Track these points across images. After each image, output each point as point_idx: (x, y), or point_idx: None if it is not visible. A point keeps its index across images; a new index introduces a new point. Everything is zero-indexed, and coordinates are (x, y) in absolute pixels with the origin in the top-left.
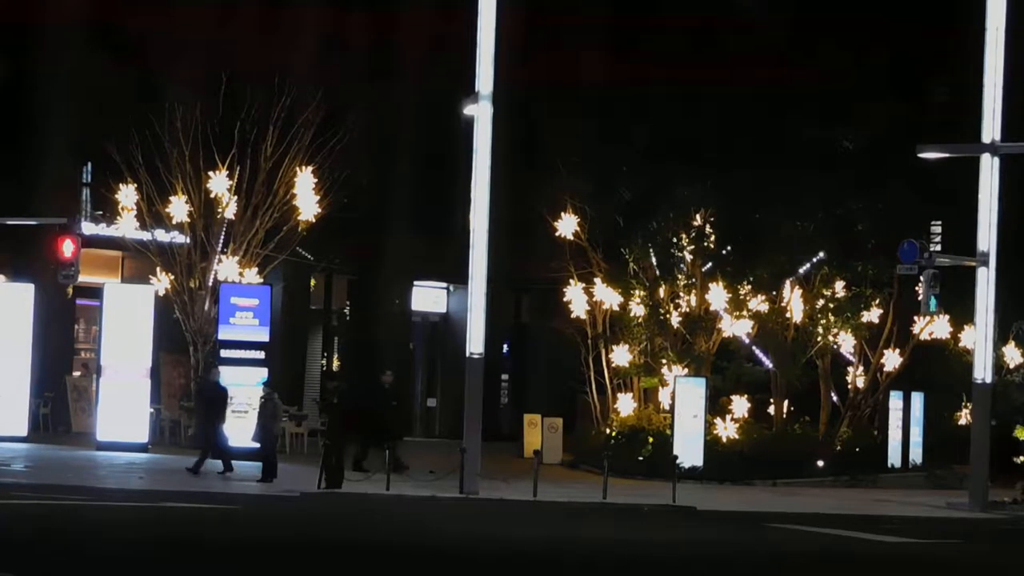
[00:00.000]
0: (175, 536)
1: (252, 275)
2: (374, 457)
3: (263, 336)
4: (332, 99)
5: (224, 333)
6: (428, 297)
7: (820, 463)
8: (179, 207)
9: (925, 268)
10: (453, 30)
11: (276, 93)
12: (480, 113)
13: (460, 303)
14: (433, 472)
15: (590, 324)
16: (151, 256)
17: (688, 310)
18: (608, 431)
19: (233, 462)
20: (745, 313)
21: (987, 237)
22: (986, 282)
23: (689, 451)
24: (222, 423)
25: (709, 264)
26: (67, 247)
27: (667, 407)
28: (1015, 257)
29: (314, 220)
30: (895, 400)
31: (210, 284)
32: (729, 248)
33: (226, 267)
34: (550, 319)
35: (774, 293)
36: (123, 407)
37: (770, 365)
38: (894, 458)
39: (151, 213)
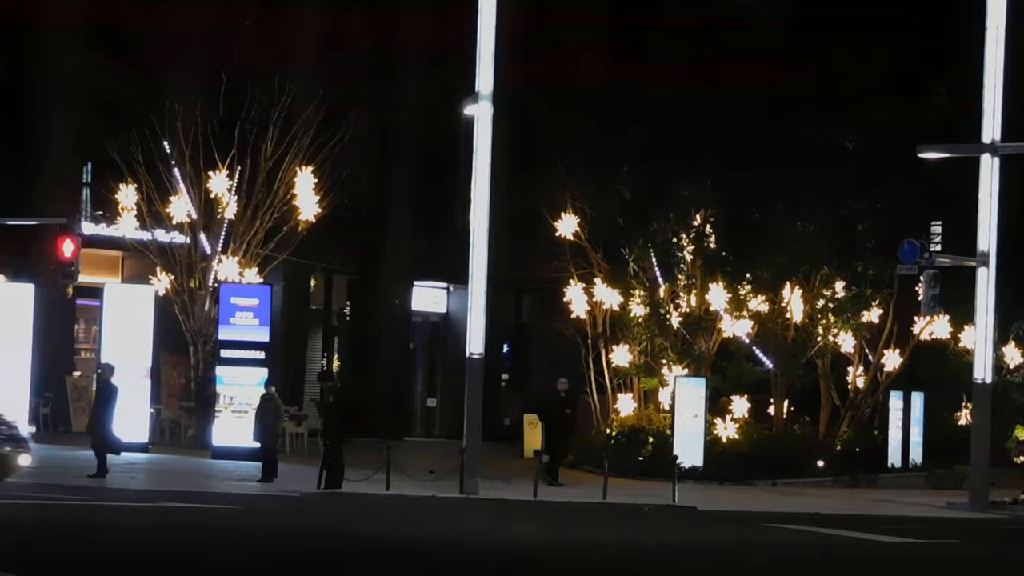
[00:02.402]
0: (175, 536)
1: (252, 275)
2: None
3: (263, 336)
4: (332, 99)
5: (224, 333)
6: (428, 297)
7: (820, 463)
8: (179, 207)
9: (925, 268)
10: (453, 30)
11: (276, 93)
12: (480, 113)
13: (460, 303)
14: (433, 472)
15: (590, 324)
16: (151, 256)
17: (688, 310)
18: (608, 431)
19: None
20: (745, 313)
21: (987, 237)
22: (986, 282)
23: (689, 451)
24: (111, 423)
25: (709, 264)
26: (67, 247)
27: (667, 407)
28: (1015, 257)
29: (314, 220)
30: (895, 400)
31: (210, 284)
32: (729, 248)
33: (226, 267)
34: (550, 319)
35: (774, 293)
36: (123, 407)
37: (770, 365)
38: (894, 458)
39: (151, 213)
